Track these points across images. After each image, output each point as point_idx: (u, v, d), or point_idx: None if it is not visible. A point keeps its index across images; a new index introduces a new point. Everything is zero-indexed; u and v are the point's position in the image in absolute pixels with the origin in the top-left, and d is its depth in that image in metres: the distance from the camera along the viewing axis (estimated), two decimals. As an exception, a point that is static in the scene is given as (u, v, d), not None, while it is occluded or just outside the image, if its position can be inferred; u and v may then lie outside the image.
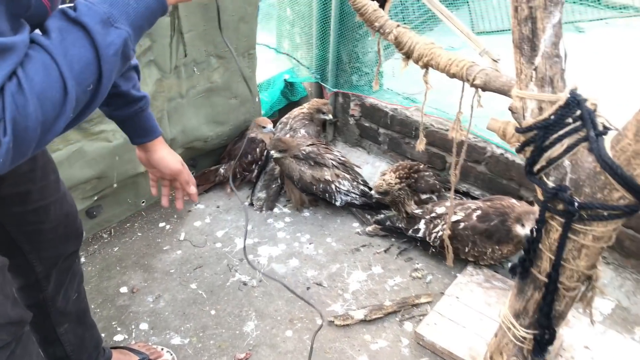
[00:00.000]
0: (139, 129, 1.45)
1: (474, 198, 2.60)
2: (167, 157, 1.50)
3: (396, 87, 3.20)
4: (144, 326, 2.12)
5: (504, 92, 1.46)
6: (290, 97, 3.43)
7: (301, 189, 2.66)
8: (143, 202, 2.76)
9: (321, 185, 2.62)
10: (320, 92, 3.37)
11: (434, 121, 2.82)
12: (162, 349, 1.98)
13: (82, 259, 2.44)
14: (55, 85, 0.75)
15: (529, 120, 1.28)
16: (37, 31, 0.80)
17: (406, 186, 2.42)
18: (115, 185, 2.38)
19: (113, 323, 2.13)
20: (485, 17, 4.75)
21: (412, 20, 4.04)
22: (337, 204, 2.67)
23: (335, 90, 3.23)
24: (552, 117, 1.24)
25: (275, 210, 2.81)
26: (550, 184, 1.34)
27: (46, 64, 0.75)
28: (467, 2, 4.82)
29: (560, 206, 1.33)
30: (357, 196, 2.68)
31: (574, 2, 4.52)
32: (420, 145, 1.94)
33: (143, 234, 2.63)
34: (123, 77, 1.37)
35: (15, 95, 0.71)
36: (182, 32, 2.26)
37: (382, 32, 1.74)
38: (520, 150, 1.38)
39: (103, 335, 2.06)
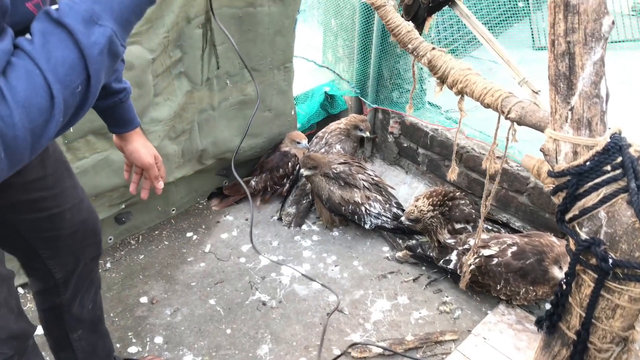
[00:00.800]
0: (116, 120, 1.46)
1: (514, 230, 2.46)
2: (141, 150, 1.52)
3: (440, 101, 3.09)
4: (158, 340, 2.11)
5: (541, 128, 1.35)
6: (329, 110, 3.38)
7: (329, 209, 2.60)
8: (173, 209, 2.78)
9: (350, 207, 2.55)
10: (360, 107, 3.30)
11: (475, 145, 2.70)
12: None
13: (108, 265, 2.47)
14: (40, 92, 0.74)
15: (561, 164, 1.18)
16: (27, 36, 0.79)
17: (439, 214, 2.32)
18: (143, 193, 2.39)
19: (129, 334, 2.14)
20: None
21: (456, 39, 3.93)
22: (367, 226, 2.60)
23: (375, 106, 3.15)
24: (588, 163, 1.13)
25: (304, 227, 2.76)
26: (583, 235, 1.22)
27: (29, 71, 0.73)
28: (529, 15, 4.61)
29: (593, 260, 1.22)
30: (389, 219, 2.60)
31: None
32: (452, 174, 1.84)
33: (170, 242, 2.64)
34: None
35: None
36: (215, 44, 2.24)
37: (416, 54, 1.67)
38: (553, 194, 1.27)
39: (117, 345, 2.07)
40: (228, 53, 2.34)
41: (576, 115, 1.12)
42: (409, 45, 1.66)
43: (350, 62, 3.15)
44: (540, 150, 1.22)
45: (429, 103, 3.15)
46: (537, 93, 1.59)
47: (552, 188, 1.26)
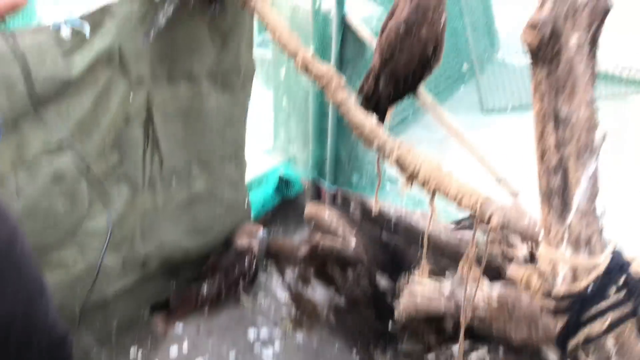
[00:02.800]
0: None
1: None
2: None
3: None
4: None
5: (528, 236, 1.31)
6: (285, 192, 3.30)
7: None
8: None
9: None
10: (317, 190, 3.24)
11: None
12: None
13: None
14: None
15: (560, 288, 1.11)
16: None
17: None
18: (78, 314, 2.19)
19: None
20: (495, 93, 4.53)
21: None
22: None
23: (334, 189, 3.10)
24: (590, 287, 1.07)
25: (264, 334, 2.58)
26: (592, 365, 1.14)
27: None
28: (474, 77, 4.67)
29: (607, 395, 1.13)
30: None
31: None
32: (423, 273, 1.78)
33: (110, 367, 2.40)
34: None
35: None
36: (159, 141, 2.14)
37: (382, 152, 1.62)
38: (554, 315, 1.20)
39: None
40: (173, 149, 2.23)
41: (573, 234, 1.07)
42: (374, 144, 1.62)
43: (305, 143, 3.11)
44: (537, 272, 1.16)
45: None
46: (516, 195, 1.55)
47: (551, 309, 1.20)
